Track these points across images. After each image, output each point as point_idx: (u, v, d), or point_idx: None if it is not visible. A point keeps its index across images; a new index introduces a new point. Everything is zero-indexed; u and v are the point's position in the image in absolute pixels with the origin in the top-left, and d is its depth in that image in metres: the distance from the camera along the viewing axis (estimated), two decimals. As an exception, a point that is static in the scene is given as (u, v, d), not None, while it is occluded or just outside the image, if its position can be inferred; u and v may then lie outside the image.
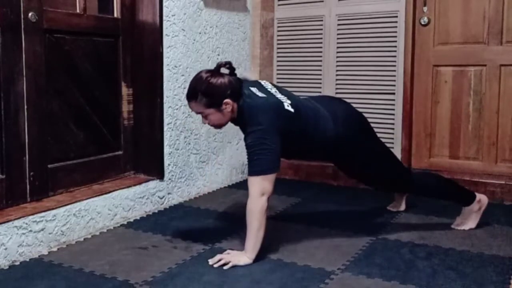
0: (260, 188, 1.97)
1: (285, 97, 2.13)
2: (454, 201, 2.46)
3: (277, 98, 2.10)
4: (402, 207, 2.75)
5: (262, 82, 2.22)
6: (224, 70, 2.06)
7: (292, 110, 2.07)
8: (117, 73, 2.71)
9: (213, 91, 2.00)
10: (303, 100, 2.24)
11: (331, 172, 3.32)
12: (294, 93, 2.28)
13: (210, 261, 2.02)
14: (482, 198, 2.43)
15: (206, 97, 2.01)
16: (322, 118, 2.15)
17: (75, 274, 1.93)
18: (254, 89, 2.11)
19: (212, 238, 2.29)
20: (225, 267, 1.97)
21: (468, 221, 2.43)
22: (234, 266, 1.97)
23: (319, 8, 3.43)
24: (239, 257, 2.01)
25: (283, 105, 2.07)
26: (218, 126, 2.13)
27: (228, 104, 2.02)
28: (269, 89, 2.16)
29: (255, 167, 1.98)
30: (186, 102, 2.11)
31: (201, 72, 2.07)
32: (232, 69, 2.07)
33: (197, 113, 2.10)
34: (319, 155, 2.30)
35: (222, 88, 2.00)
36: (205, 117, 2.08)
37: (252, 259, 2.01)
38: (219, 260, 2.00)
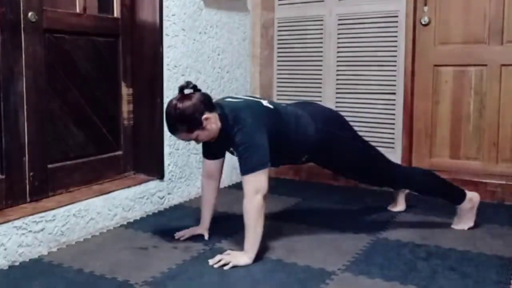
0: (254, 186, 1.99)
1: (261, 99, 2.24)
2: (443, 198, 2.46)
3: (253, 99, 2.22)
4: (402, 207, 2.75)
5: (234, 95, 2.34)
6: (188, 91, 2.07)
7: (271, 106, 2.17)
8: (117, 73, 2.71)
9: (187, 116, 2.02)
10: (280, 103, 2.39)
11: (331, 172, 3.31)
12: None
13: (210, 262, 2.01)
14: (473, 196, 2.43)
15: (184, 124, 2.04)
16: (301, 116, 2.23)
17: (75, 274, 1.93)
18: (229, 99, 2.23)
19: (212, 238, 2.29)
20: (225, 268, 1.97)
21: (464, 220, 2.43)
22: (234, 267, 1.97)
23: (320, 8, 3.42)
24: (239, 257, 2.01)
25: (261, 103, 2.17)
26: (212, 138, 2.13)
27: (208, 118, 2.04)
28: (241, 96, 2.28)
29: (246, 166, 2.01)
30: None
31: (169, 104, 2.08)
32: (194, 86, 2.09)
33: (187, 140, 2.17)
34: (304, 154, 2.29)
35: (193, 109, 2.02)
36: (195, 140, 2.11)
37: (252, 259, 2.01)
38: (219, 261, 2.00)
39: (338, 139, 2.27)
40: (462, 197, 2.41)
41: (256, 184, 1.99)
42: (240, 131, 2.02)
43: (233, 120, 2.05)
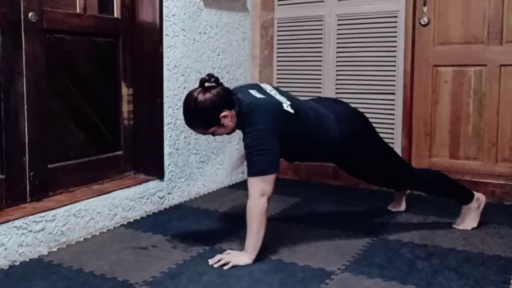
0: (259, 189, 1.97)
1: (285, 98, 2.13)
2: (453, 198, 2.47)
3: (276, 99, 2.10)
4: (402, 207, 2.75)
5: (262, 85, 2.23)
6: (209, 84, 2.03)
7: (291, 111, 2.06)
8: (117, 73, 2.71)
9: (206, 113, 2.00)
10: (304, 102, 2.25)
11: (331, 172, 3.32)
12: (294, 94, 2.29)
13: (210, 261, 2.02)
14: (480, 197, 2.45)
15: (200, 121, 2.03)
16: (324, 117, 2.15)
17: (75, 274, 1.93)
18: (253, 91, 2.12)
19: (212, 238, 2.29)
20: (225, 267, 1.97)
21: (469, 220, 2.44)
22: (234, 266, 1.97)
23: (319, 8, 3.42)
24: (239, 257, 2.01)
25: (282, 106, 2.06)
26: (228, 133, 2.13)
27: (226, 116, 2.02)
28: (268, 91, 2.16)
29: (254, 168, 1.98)
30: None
31: (188, 96, 2.04)
32: (216, 80, 2.04)
33: (203, 134, 2.13)
34: (323, 155, 2.28)
35: (212, 105, 1.99)
36: (212, 134, 2.09)
37: (252, 259, 2.01)
38: (219, 260, 2.00)
39: (360, 143, 2.22)
40: (470, 197, 2.43)
41: (262, 187, 1.97)
42: (251, 133, 1.99)
43: (248, 119, 2.01)
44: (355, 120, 2.25)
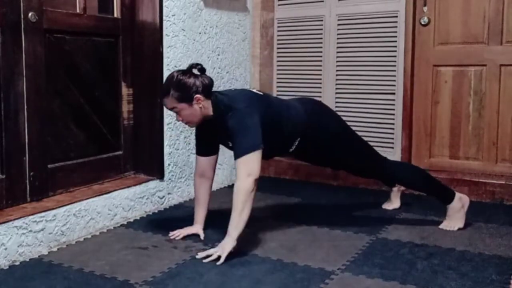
0: (245, 169, 2.02)
1: (251, 89, 2.35)
2: (433, 195, 2.48)
3: (244, 89, 2.32)
4: (397, 204, 2.77)
5: None
6: (195, 71, 2.15)
7: (261, 93, 2.28)
8: (117, 73, 2.71)
9: (184, 86, 2.10)
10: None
11: (331, 172, 3.32)
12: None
13: (199, 255, 2.05)
14: (462, 197, 2.45)
15: (177, 92, 2.10)
16: (290, 101, 2.37)
17: (75, 274, 1.93)
18: (220, 90, 2.30)
19: (212, 238, 2.29)
20: (218, 263, 1.97)
21: (455, 220, 2.43)
22: (227, 259, 1.98)
23: (319, 8, 3.43)
24: (225, 246, 2.03)
25: (252, 91, 2.28)
26: (191, 122, 2.19)
27: (200, 100, 2.11)
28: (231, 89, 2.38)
29: (238, 150, 2.05)
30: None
31: (172, 72, 2.17)
32: (203, 70, 2.17)
33: (171, 109, 2.17)
34: (296, 136, 2.27)
35: (192, 83, 2.10)
36: (178, 112, 2.15)
37: (235, 239, 2.03)
38: (208, 256, 2.03)
39: (328, 119, 2.37)
40: (451, 196, 2.43)
41: (248, 167, 2.02)
42: (233, 116, 2.08)
43: (227, 107, 2.11)
44: (318, 104, 2.46)
